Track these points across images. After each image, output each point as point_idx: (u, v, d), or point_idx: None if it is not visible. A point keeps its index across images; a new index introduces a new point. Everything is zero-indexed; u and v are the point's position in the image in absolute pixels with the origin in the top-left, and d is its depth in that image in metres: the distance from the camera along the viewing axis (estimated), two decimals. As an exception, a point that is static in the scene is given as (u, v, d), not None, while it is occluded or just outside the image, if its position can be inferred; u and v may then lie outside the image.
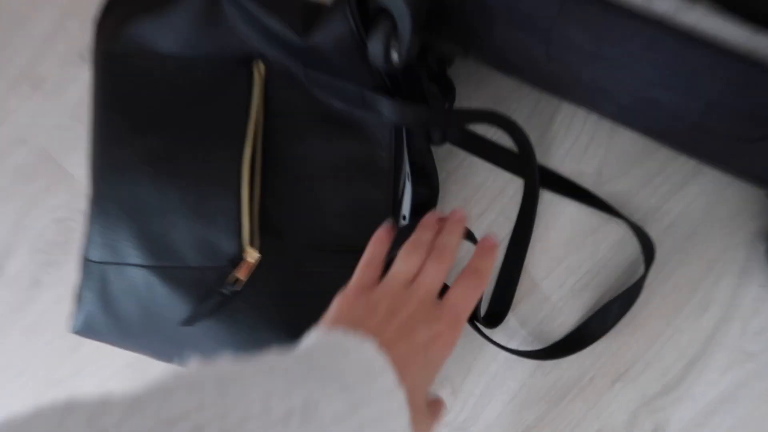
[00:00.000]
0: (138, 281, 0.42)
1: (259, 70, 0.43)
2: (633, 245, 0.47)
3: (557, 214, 0.49)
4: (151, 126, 0.43)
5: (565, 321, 0.49)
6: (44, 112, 0.59)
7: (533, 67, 0.39)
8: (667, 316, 0.47)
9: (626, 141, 0.47)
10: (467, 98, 0.49)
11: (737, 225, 0.46)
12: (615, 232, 0.48)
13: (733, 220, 0.46)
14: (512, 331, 0.49)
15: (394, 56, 0.36)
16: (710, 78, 0.31)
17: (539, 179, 0.45)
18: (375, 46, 0.35)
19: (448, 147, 0.49)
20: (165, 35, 0.43)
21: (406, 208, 0.45)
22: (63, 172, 0.57)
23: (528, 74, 0.41)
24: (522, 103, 0.49)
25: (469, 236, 0.40)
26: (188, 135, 0.42)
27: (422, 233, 0.34)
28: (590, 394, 0.48)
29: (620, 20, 0.28)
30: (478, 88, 0.49)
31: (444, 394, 0.50)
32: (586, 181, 0.48)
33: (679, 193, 0.47)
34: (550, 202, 0.49)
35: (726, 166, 0.41)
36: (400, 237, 0.36)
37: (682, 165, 0.46)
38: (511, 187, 0.49)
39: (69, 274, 0.55)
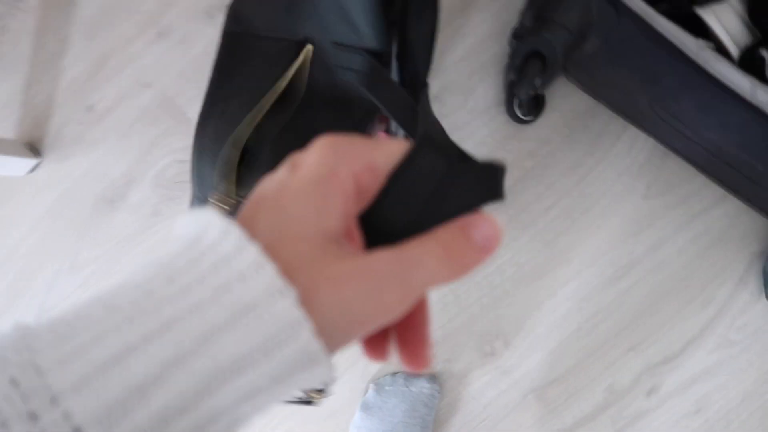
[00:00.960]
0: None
1: (306, 53, 0.51)
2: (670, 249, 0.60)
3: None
4: (231, 83, 0.52)
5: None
6: (169, 61, 0.65)
7: (628, 105, 0.49)
8: (678, 306, 0.61)
9: (674, 165, 0.59)
10: (552, 109, 0.60)
11: (744, 244, 0.59)
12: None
13: (742, 240, 0.59)
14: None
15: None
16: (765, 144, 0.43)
17: None
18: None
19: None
20: (262, 20, 0.51)
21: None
22: (185, 118, 0.65)
23: (619, 106, 0.52)
24: (596, 121, 0.59)
25: None
26: (241, 89, 0.51)
27: None
28: (609, 357, 0.62)
29: (727, 100, 0.39)
30: (562, 102, 0.59)
31: (498, 345, 0.63)
32: (636, 192, 0.60)
33: (706, 213, 0.59)
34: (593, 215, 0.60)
35: (745, 199, 0.53)
36: None
37: (713, 191, 0.59)
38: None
39: (187, 208, 0.64)
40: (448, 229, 0.18)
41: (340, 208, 0.17)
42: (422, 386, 0.63)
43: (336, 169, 0.17)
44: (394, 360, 0.61)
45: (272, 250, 0.16)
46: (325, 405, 0.65)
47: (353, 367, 0.65)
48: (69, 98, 0.67)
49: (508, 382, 0.63)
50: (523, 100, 0.55)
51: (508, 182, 0.61)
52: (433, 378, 0.64)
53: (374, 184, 0.18)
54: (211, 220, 0.16)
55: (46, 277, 0.66)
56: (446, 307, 0.63)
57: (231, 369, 0.15)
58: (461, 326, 0.63)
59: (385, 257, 0.17)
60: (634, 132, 0.59)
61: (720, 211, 0.59)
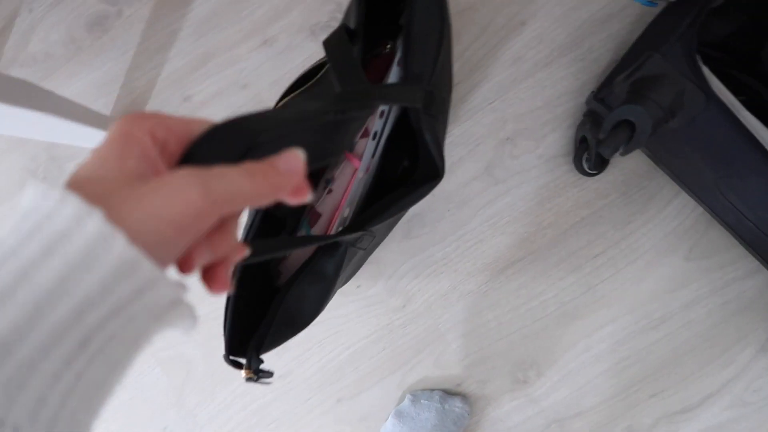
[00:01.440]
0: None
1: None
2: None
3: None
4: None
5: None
6: (268, 68, 0.71)
7: (693, 178, 0.55)
8: (701, 363, 0.66)
9: (717, 234, 0.65)
10: (614, 166, 0.65)
11: (770, 315, 0.65)
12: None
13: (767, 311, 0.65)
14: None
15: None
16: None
17: None
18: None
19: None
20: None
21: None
22: (274, 122, 0.70)
23: (681, 176, 0.58)
24: (652, 183, 0.65)
25: None
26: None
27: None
28: (632, 400, 0.67)
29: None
30: (624, 162, 0.65)
31: (531, 374, 0.67)
32: (679, 253, 0.65)
33: (740, 281, 0.65)
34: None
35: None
36: None
37: (749, 263, 0.64)
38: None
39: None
40: (262, 166, 0.22)
41: (137, 151, 0.20)
42: (455, 405, 0.68)
43: (131, 129, 0.21)
44: (433, 377, 0.66)
45: (79, 188, 0.18)
46: (359, 407, 0.69)
47: (392, 376, 0.69)
48: (168, 87, 0.72)
49: (535, 410, 0.68)
50: (598, 155, 0.61)
51: (564, 227, 0.67)
52: (466, 399, 0.69)
53: (170, 137, 0.22)
54: (40, 189, 0.18)
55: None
56: (488, 331, 0.68)
57: (56, 289, 0.16)
58: (499, 352, 0.68)
59: (187, 170, 0.20)
60: (685, 199, 0.65)
61: (752, 282, 0.65)
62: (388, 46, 0.53)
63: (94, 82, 0.74)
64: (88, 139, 0.66)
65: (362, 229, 0.44)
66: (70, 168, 0.73)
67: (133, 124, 0.21)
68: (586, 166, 0.64)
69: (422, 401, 0.68)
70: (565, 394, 0.67)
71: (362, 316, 0.70)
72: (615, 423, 0.67)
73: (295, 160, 0.23)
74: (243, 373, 0.41)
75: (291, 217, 0.51)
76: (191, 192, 0.19)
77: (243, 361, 0.43)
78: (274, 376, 0.69)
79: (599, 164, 0.63)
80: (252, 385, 0.71)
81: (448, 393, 0.69)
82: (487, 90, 0.67)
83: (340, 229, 0.47)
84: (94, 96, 0.74)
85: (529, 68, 0.66)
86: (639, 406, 0.67)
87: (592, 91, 0.63)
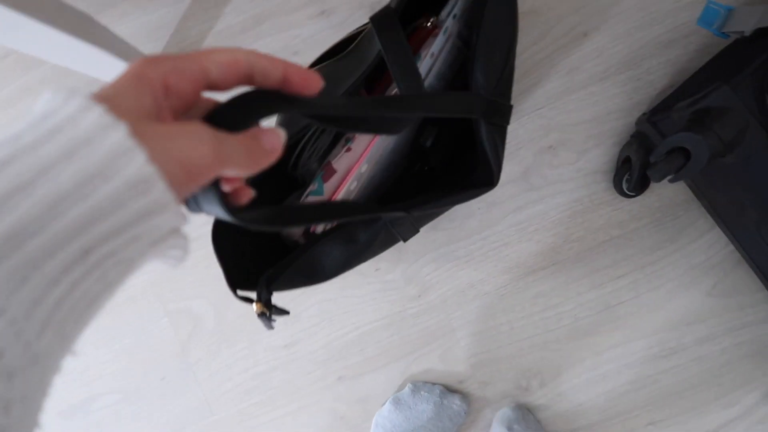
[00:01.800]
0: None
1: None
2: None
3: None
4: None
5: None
6: (322, 39, 0.70)
7: (733, 216, 0.55)
8: (706, 399, 0.66)
9: (743, 273, 0.65)
10: (652, 191, 0.65)
11: (782, 362, 0.65)
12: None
13: (781, 358, 0.65)
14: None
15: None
16: None
17: None
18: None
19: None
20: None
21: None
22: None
23: (721, 212, 0.57)
24: (687, 214, 0.65)
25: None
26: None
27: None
28: (629, 425, 0.67)
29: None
30: (663, 188, 0.65)
31: (534, 383, 0.68)
32: (702, 287, 0.65)
33: (757, 325, 0.65)
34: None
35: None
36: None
37: (769, 308, 0.64)
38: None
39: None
40: (247, 133, 0.24)
41: (150, 95, 0.21)
42: (454, 402, 0.68)
43: (146, 71, 0.21)
44: (436, 370, 0.66)
45: (103, 101, 0.19)
46: (359, 388, 0.69)
47: (396, 363, 0.69)
48: (218, 42, 0.72)
49: (532, 419, 0.68)
50: (640, 178, 0.61)
51: (591, 243, 0.66)
52: (465, 398, 0.69)
53: (181, 82, 0.22)
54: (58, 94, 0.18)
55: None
56: (499, 334, 0.68)
57: (72, 192, 0.17)
58: (506, 356, 0.68)
59: (204, 125, 0.21)
60: (718, 235, 0.65)
61: (769, 327, 0.64)
62: (431, 20, 0.52)
63: (146, 26, 0.73)
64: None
65: (405, 210, 0.44)
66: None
67: (149, 67, 0.21)
68: (625, 187, 0.64)
69: (422, 392, 0.68)
70: (565, 408, 0.68)
71: (377, 299, 0.70)
72: (609, 444, 0.67)
73: (278, 139, 0.25)
74: (255, 307, 0.41)
75: (305, 169, 0.50)
76: (206, 146, 0.21)
77: (253, 295, 0.43)
78: (280, 345, 0.70)
79: (639, 187, 0.63)
80: (256, 350, 0.71)
81: (449, 389, 0.70)
82: (538, 95, 0.67)
83: (354, 184, 0.47)
84: (143, 40, 0.73)
85: (583, 80, 0.66)
86: (634, 431, 0.67)
87: (644, 113, 0.62)
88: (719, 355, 0.66)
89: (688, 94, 0.53)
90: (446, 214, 0.68)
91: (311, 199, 0.47)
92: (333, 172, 0.48)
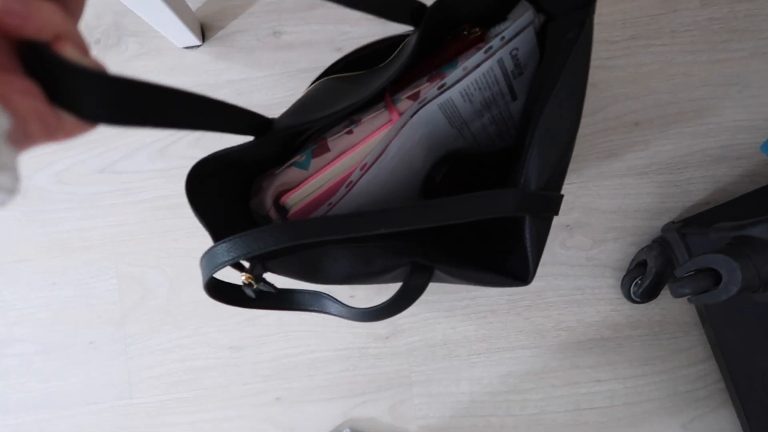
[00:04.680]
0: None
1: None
2: None
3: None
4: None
5: None
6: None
7: (739, 357, 0.51)
8: None
9: (727, 416, 0.60)
10: (657, 303, 0.61)
11: None
12: None
13: None
14: None
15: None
16: None
17: None
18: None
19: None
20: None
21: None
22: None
23: (726, 349, 0.53)
24: (686, 338, 0.61)
25: None
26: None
27: None
28: None
29: None
30: (670, 304, 0.61)
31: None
32: (680, 418, 0.61)
33: (725, 474, 0.60)
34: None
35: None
36: None
37: None
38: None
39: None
40: None
41: None
42: None
43: None
44: (381, 422, 0.61)
45: None
46: (293, 415, 0.63)
47: (342, 400, 0.64)
48: (264, 12, 0.67)
49: (465, 503, 0.62)
50: (651, 285, 0.57)
51: (580, 338, 0.62)
52: (404, 456, 0.63)
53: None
54: None
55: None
56: (458, 403, 0.63)
57: None
58: (458, 428, 0.63)
59: None
60: (713, 368, 0.61)
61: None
62: (476, 30, 0.46)
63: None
64: (162, 23, 0.60)
65: (429, 260, 0.38)
66: (128, 43, 0.67)
67: None
68: (632, 291, 0.60)
69: (358, 441, 0.62)
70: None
71: (342, 327, 0.64)
72: None
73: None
74: (242, 276, 0.35)
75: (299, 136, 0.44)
76: None
77: (246, 264, 0.36)
78: (225, 345, 0.64)
79: (647, 295, 0.59)
80: (199, 342, 0.65)
81: (387, 445, 0.64)
82: (571, 171, 0.63)
83: (343, 191, 0.41)
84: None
85: (620, 169, 0.62)
86: None
87: (674, 221, 0.59)
88: (678, 494, 0.61)
89: (729, 217, 0.49)
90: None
91: (294, 170, 0.41)
92: (326, 149, 0.41)
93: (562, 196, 0.39)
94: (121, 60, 0.67)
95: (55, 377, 0.66)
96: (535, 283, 0.63)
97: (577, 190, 0.63)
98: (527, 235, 0.38)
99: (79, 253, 0.66)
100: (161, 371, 0.65)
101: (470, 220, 0.34)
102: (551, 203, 0.38)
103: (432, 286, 0.63)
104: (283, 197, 0.40)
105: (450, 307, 0.64)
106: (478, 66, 0.40)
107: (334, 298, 0.40)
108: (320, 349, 0.64)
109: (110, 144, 0.66)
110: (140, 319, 0.65)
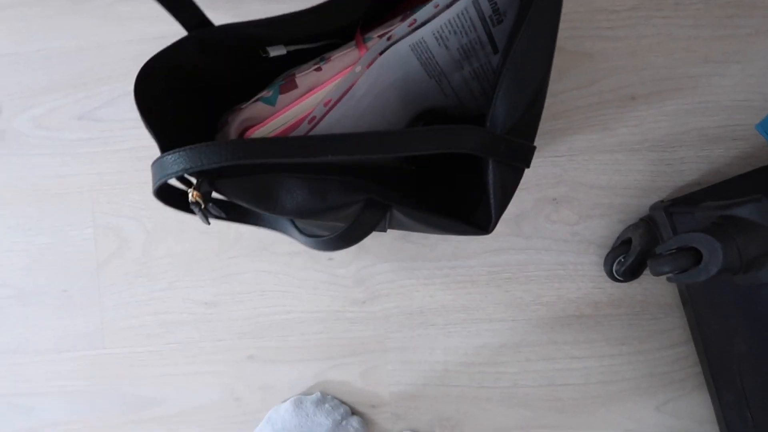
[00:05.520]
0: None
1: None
2: None
3: (619, 402, 0.61)
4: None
5: None
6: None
7: (716, 339, 0.50)
8: None
9: (701, 401, 0.60)
10: (639, 282, 0.60)
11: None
12: None
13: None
14: None
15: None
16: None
17: None
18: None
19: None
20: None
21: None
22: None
23: (704, 331, 0.52)
24: (667, 319, 0.60)
25: None
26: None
27: None
28: None
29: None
30: (653, 284, 0.60)
31: (449, 435, 0.62)
32: (653, 400, 0.60)
33: (695, 458, 0.60)
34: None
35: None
36: None
37: (713, 445, 0.59)
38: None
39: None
40: None
41: None
42: (353, 424, 0.62)
43: None
44: (353, 386, 0.60)
45: None
46: (265, 374, 0.63)
47: (314, 362, 0.63)
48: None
49: (432, 471, 0.62)
50: (634, 264, 0.55)
51: (559, 313, 0.61)
52: (366, 423, 0.63)
53: None
54: None
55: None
56: (432, 372, 0.62)
57: None
58: (431, 397, 0.62)
59: None
60: (690, 351, 0.60)
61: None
62: None
63: None
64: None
65: (386, 201, 0.38)
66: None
67: None
68: (615, 269, 0.59)
69: (326, 405, 0.62)
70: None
71: (318, 289, 0.63)
72: None
73: None
74: (190, 194, 0.34)
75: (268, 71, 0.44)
76: None
77: (193, 180, 0.36)
78: (200, 300, 0.63)
79: (630, 274, 0.57)
80: (173, 296, 0.64)
81: (354, 411, 0.63)
82: (561, 142, 0.61)
83: (306, 127, 0.40)
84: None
85: (613, 144, 0.61)
86: None
87: (662, 200, 0.57)
88: (646, 474, 0.61)
89: (722, 196, 0.48)
90: (423, 228, 0.62)
91: (260, 105, 0.40)
92: (293, 86, 0.40)
93: (533, 147, 0.37)
94: None
95: (27, 324, 0.65)
96: (517, 256, 0.62)
97: (566, 163, 0.61)
98: (490, 180, 0.36)
99: (56, 200, 0.65)
100: (135, 323, 0.64)
101: (426, 154, 0.33)
102: (519, 151, 0.37)
103: (411, 252, 0.62)
104: (247, 132, 0.39)
105: (429, 275, 0.63)
106: (451, 4, 0.38)
107: (293, 221, 0.40)
108: (295, 310, 0.63)
109: (92, 90, 0.65)
110: (116, 271, 0.65)
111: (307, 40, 0.43)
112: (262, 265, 0.64)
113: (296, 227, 0.42)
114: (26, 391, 0.65)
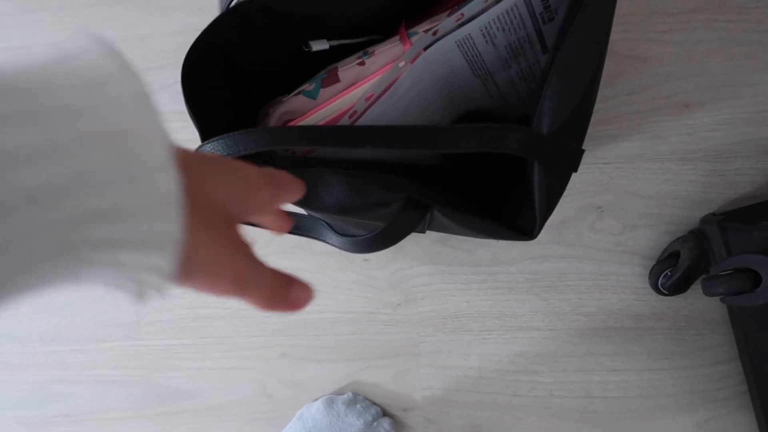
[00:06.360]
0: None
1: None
2: None
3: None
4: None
5: None
6: None
7: (765, 359, 0.48)
8: None
9: (745, 421, 0.58)
10: (685, 297, 0.58)
11: None
12: None
13: None
14: None
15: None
16: None
17: None
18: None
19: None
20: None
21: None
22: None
23: (752, 352, 0.50)
24: (712, 336, 0.58)
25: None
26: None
27: None
28: None
29: None
30: (699, 299, 0.58)
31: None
32: (694, 417, 0.58)
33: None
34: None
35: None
36: None
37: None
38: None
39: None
40: (281, 275, 0.25)
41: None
42: (384, 426, 0.61)
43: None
44: (385, 388, 0.60)
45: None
46: (298, 372, 0.63)
47: (347, 363, 0.63)
48: None
49: (462, 477, 0.61)
50: (681, 279, 0.54)
51: (599, 324, 0.60)
52: (397, 426, 0.63)
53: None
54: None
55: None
56: (465, 378, 0.62)
57: (96, 176, 0.15)
58: (463, 403, 0.62)
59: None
60: (736, 370, 0.58)
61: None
62: None
63: None
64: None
65: (430, 199, 0.36)
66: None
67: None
68: (661, 282, 0.57)
69: (358, 406, 0.62)
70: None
71: (353, 290, 0.63)
72: None
73: (306, 297, 0.26)
74: None
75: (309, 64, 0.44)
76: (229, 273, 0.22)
77: None
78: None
79: (676, 288, 0.56)
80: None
81: (386, 413, 0.63)
82: (609, 149, 0.59)
83: (347, 121, 0.39)
84: None
85: (663, 152, 0.59)
86: None
87: (715, 213, 0.55)
88: (682, 492, 0.59)
89: (777, 214, 0.46)
90: (462, 232, 0.61)
91: (301, 99, 0.39)
92: (336, 80, 0.39)
93: (582, 150, 0.36)
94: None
95: (64, 314, 0.66)
96: (558, 264, 0.60)
97: (613, 171, 0.59)
98: (535, 183, 0.35)
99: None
100: (170, 316, 0.65)
101: (469, 152, 0.33)
102: (567, 154, 0.35)
103: (449, 256, 0.61)
104: (288, 125, 0.38)
105: (467, 281, 0.62)
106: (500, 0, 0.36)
107: (329, 225, 0.39)
108: (329, 310, 0.63)
109: (133, 82, 0.64)
110: (152, 263, 0.65)
111: (349, 32, 0.42)
112: (297, 263, 0.63)
113: (331, 228, 0.41)
114: (63, 379, 0.66)
